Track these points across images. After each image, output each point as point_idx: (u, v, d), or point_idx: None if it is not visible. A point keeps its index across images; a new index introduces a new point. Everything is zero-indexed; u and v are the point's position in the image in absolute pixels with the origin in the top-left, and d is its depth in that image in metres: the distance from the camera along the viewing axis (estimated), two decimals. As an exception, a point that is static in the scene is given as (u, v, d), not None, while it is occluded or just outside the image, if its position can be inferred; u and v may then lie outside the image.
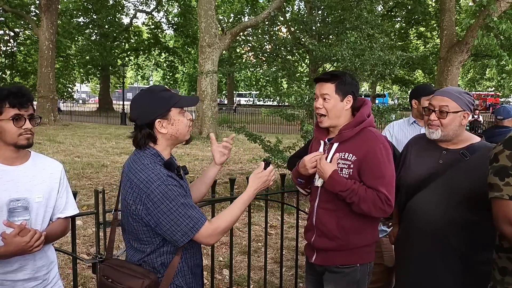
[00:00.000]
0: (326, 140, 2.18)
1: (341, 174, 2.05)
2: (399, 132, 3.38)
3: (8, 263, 1.83)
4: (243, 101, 49.73)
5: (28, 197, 1.86)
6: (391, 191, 2.01)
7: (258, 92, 28.11)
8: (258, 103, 38.27)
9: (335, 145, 2.11)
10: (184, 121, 1.78)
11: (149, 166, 1.68)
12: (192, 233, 1.65)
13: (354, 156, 2.04)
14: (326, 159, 2.11)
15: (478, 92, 40.99)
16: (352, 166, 2.04)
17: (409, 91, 3.84)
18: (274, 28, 11.87)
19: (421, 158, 2.23)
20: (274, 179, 1.90)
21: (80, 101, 45.33)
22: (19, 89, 1.86)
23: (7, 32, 28.35)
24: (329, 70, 8.89)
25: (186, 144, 1.88)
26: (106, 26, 31.47)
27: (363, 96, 2.93)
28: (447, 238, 2.07)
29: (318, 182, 2.14)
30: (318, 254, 2.17)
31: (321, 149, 2.18)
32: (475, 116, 18.40)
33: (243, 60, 17.34)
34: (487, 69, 30.28)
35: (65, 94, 31.80)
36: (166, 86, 1.83)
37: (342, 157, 2.07)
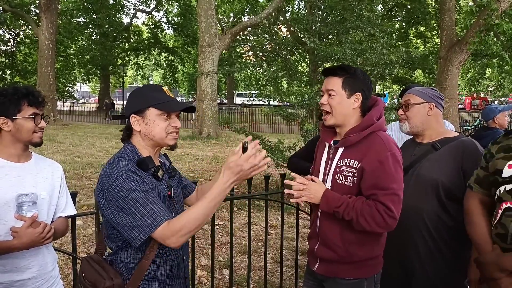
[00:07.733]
0: (331, 142, 2.02)
1: (345, 183, 1.90)
2: (398, 132, 3.37)
3: (16, 258, 1.85)
4: (238, 100, 49.20)
5: (35, 193, 1.90)
6: (395, 201, 1.81)
7: (257, 92, 28.10)
8: (255, 102, 38.07)
9: (340, 150, 1.96)
10: (161, 125, 1.67)
11: (116, 159, 1.63)
12: (150, 230, 1.51)
13: (359, 163, 1.87)
14: (330, 166, 1.97)
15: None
16: (356, 174, 1.87)
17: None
18: (275, 28, 11.87)
19: (402, 154, 2.37)
20: (258, 167, 1.52)
21: (81, 101, 45.21)
22: (33, 89, 1.93)
23: (7, 31, 28.35)
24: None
25: (171, 150, 1.80)
26: (106, 26, 31.45)
27: None
28: (418, 227, 2.18)
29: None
30: (320, 263, 2.04)
31: (325, 153, 2.04)
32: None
33: (243, 60, 17.33)
34: (487, 69, 30.27)
35: (65, 93, 31.80)
36: (163, 87, 1.75)
37: (347, 164, 1.91)
